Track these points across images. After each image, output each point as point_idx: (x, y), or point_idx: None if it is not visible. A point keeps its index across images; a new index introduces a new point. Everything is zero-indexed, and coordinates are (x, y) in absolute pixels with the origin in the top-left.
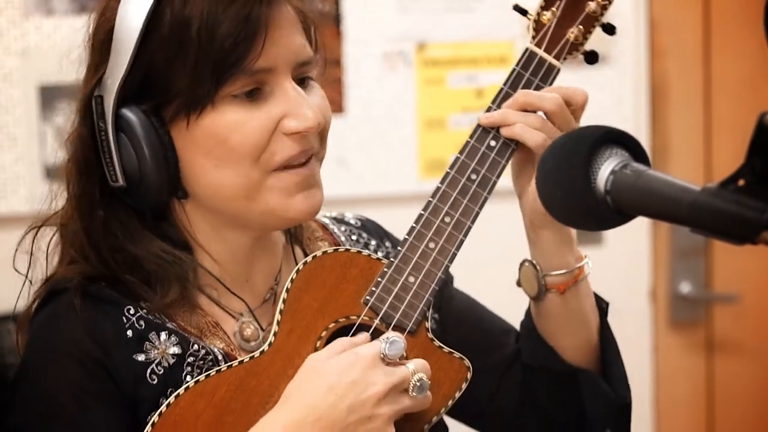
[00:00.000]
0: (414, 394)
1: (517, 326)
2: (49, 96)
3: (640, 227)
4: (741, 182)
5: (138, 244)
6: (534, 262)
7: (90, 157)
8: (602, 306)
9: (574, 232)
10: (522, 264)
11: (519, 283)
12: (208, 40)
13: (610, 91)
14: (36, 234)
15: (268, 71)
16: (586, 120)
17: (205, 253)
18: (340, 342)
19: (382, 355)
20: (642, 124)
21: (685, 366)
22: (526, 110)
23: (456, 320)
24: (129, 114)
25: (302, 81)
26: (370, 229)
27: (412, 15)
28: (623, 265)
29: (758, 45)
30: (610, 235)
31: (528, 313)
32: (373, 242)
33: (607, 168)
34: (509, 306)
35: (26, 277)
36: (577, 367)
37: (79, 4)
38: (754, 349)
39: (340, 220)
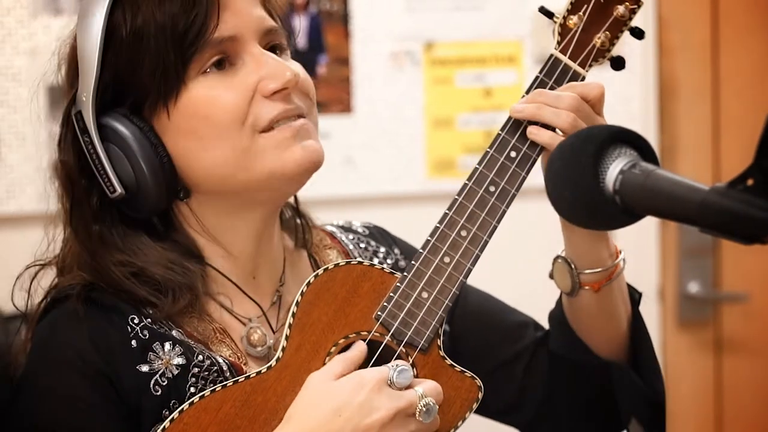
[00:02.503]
0: (420, 419)
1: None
2: (57, 95)
3: (647, 227)
4: (750, 182)
5: (143, 255)
6: (568, 258)
7: (77, 175)
8: (634, 296)
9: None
10: (555, 259)
11: (551, 277)
12: (165, 26)
13: (618, 89)
14: (36, 274)
15: (232, 40)
16: None
17: (215, 250)
18: (339, 360)
19: (389, 382)
20: (650, 123)
21: (694, 366)
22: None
23: (472, 317)
24: (111, 121)
25: (273, 51)
26: (378, 236)
27: (420, 14)
28: (631, 264)
29: (767, 43)
30: (618, 233)
31: (559, 305)
32: (382, 249)
33: (615, 168)
34: (530, 300)
35: (24, 313)
36: (609, 360)
37: None
38: (762, 349)
39: (347, 229)
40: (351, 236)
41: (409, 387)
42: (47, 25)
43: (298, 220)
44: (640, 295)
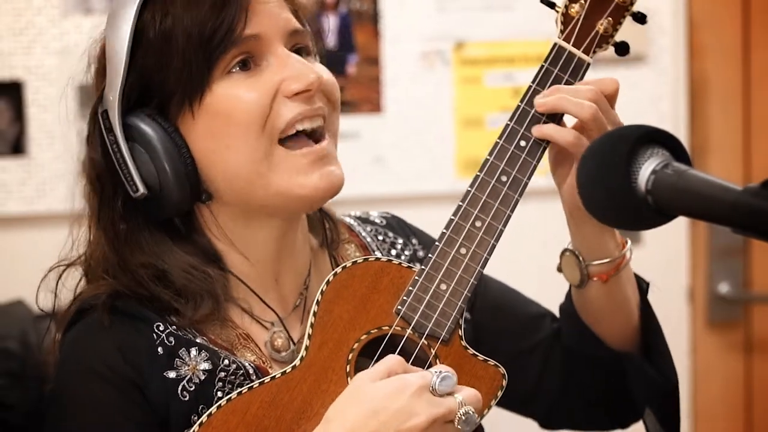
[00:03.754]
0: (459, 426)
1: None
2: (87, 94)
3: (678, 227)
4: None
5: (166, 258)
6: (576, 251)
7: (104, 173)
8: (642, 286)
9: None
10: (563, 252)
11: (559, 270)
12: (192, 27)
13: (649, 89)
14: (62, 274)
15: (257, 38)
16: (625, 119)
17: (235, 256)
18: (390, 360)
19: (431, 389)
20: (681, 123)
21: (723, 366)
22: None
23: (491, 308)
24: (136, 121)
25: (298, 53)
26: (395, 227)
27: (450, 14)
28: (661, 264)
29: None
30: (648, 234)
31: (568, 298)
32: (400, 240)
33: (648, 168)
34: (541, 292)
35: (51, 315)
36: (621, 351)
37: None
38: None
39: (365, 220)
40: (369, 228)
41: (450, 394)
42: (78, 24)
43: (326, 223)
44: (648, 284)
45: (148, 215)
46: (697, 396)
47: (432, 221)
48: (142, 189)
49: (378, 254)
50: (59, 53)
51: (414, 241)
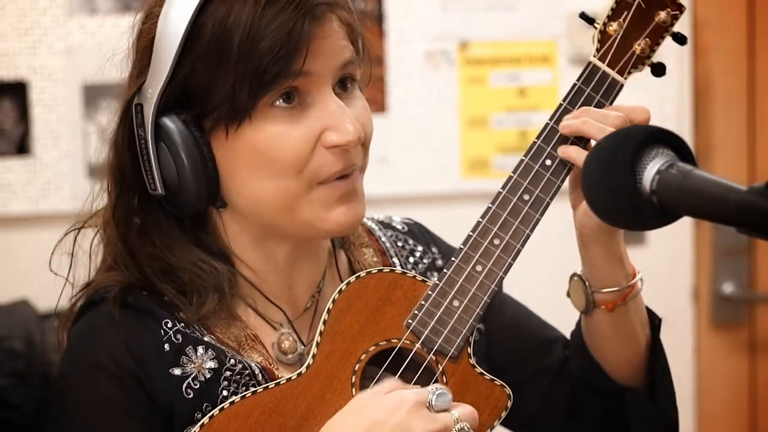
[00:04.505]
0: None
1: (567, 334)
2: (92, 95)
3: (682, 227)
4: None
5: (175, 252)
6: (583, 277)
7: (127, 164)
8: (654, 321)
9: (623, 248)
10: (572, 277)
11: (568, 295)
12: (249, 53)
13: (654, 90)
14: (77, 235)
15: (309, 75)
16: None
17: (243, 263)
18: (391, 383)
19: (428, 404)
20: (685, 124)
21: (728, 367)
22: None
23: (505, 326)
24: (169, 123)
25: (344, 84)
26: (417, 234)
27: (455, 14)
28: (666, 265)
29: None
30: (653, 235)
31: (578, 324)
32: (420, 248)
33: (652, 168)
34: (556, 311)
35: (66, 279)
36: (624, 385)
37: (122, 3)
38: None
39: (387, 225)
40: (389, 233)
41: (446, 410)
42: (83, 24)
43: None
44: (660, 320)
45: (163, 209)
46: (701, 396)
47: (437, 221)
48: (160, 190)
49: (395, 260)
50: (64, 53)
51: (434, 249)
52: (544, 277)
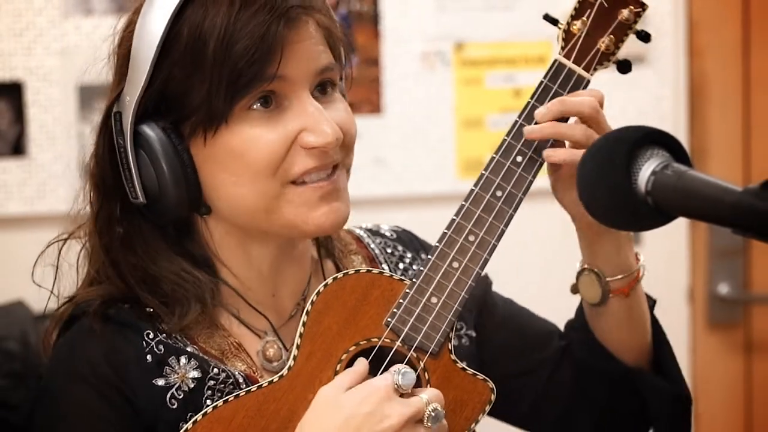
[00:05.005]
0: (429, 424)
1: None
2: (87, 95)
3: (678, 227)
4: None
5: (157, 262)
6: (595, 269)
7: (108, 173)
8: (650, 303)
9: (631, 232)
10: (580, 272)
11: (574, 291)
12: (224, 58)
13: (649, 90)
14: (61, 247)
15: (285, 79)
16: (625, 120)
17: (228, 269)
18: (346, 375)
19: (396, 386)
20: (680, 124)
21: (724, 367)
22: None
23: (499, 325)
24: (147, 131)
25: (323, 89)
26: (405, 241)
27: (450, 14)
28: (661, 265)
29: None
30: (648, 235)
31: (579, 315)
32: (409, 255)
33: (647, 169)
34: (547, 307)
35: (51, 291)
36: (635, 366)
37: (117, 4)
38: None
39: (375, 233)
40: (378, 240)
41: (413, 394)
42: (78, 25)
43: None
44: (654, 301)
45: (146, 219)
46: (697, 397)
47: (432, 222)
48: (141, 197)
49: (385, 267)
50: (60, 54)
51: (423, 255)
52: (535, 275)
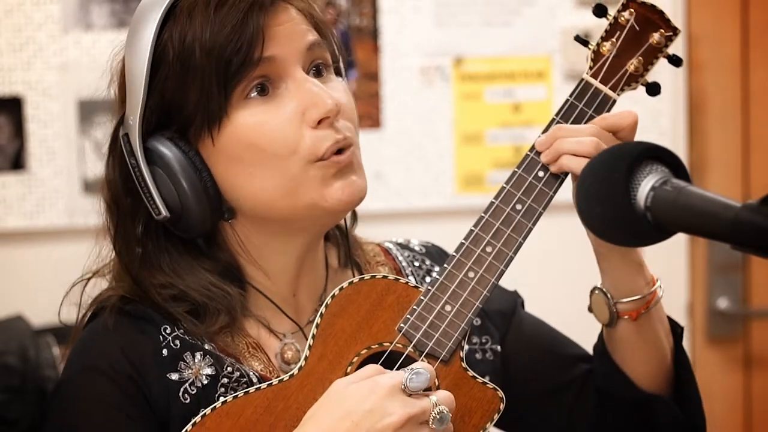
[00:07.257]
0: (434, 426)
1: (589, 349)
2: (87, 110)
3: (677, 242)
4: None
5: (185, 277)
6: (604, 289)
7: (121, 195)
8: (676, 330)
9: (642, 255)
10: (592, 291)
11: (590, 310)
12: (211, 57)
13: (648, 105)
14: (85, 286)
15: (273, 61)
16: None
17: (256, 270)
18: (369, 368)
19: (403, 386)
20: (680, 139)
21: (723, 382)
22: None
23: (526, 344)
24: (156, 145)
25: (318, 71)
26: (435, 255)
27: (450, 29)
28: (661, 280)
29: None
30: (648, 250)
31: (600, 337)
32: (437, 269)
33: (647, 184)
34: (576, 325)
35: (75, 325)
36: (651, 393)
37: (118, 19)
38: None
39: (404, 246)
40: (407, 254)
41: (425, 394)
42: (78, 40)
43: (341, 240)
44: (682, 329)
45: (170, 235)
46: None
47: (431, 237)
48: (164, 212)
49: (411, 279)
50: (59, 69)
51: None
52: (565, 292)
